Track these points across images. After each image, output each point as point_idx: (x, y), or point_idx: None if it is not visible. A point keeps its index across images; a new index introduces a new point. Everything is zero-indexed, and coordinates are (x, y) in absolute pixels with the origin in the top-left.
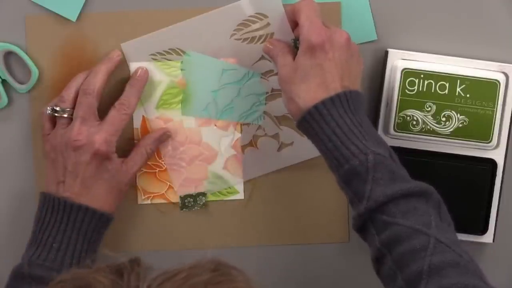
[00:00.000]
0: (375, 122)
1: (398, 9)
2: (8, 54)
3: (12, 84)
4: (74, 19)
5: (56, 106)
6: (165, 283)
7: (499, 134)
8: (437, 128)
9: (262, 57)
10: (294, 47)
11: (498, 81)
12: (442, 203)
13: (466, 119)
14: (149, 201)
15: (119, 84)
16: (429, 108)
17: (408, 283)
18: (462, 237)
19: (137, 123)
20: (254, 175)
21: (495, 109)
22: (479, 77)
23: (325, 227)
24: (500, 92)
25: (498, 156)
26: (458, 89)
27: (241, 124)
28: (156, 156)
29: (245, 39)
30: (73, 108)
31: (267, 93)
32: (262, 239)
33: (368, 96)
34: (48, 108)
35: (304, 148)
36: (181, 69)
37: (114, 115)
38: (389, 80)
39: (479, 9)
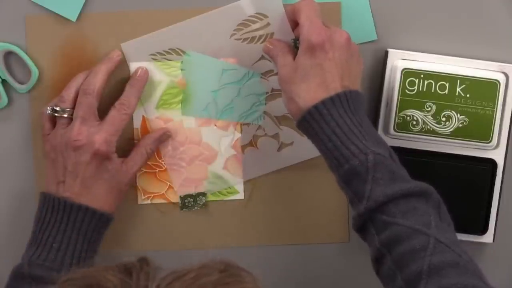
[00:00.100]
0: (375, 122)
1: (398, 9)
2: (8, 54)
3: (12, 84)
4: (74, 19)
5: (56, 106)
6: (174, 283)
7: (499, 134)
8: (437, 128)
9: (262, 57)
10: (294, 47)
11: (498, 81)
12: (442, 203)
13: (466, 119)
14: (149, 201)
15: (119, 84)
16: (429, 108)
17: (407, 283)
18: (462, 237)
19: (137, 123)
20: (254, 175)
21: (495, 109)
22: (479, 77)
23: (325, 227)
24: (500, 92)
25: (498, 156)
26: (458, 89)
27: (241, 124)
28: (156, 156)
29: (245, 39)
30: (73, 108)
31: (267, 93)
32: (262, 239)
33: (368, 96)
34: (48, 108)
35: (304, 148)
36: (181, 69)
37: (114, 115)
38: (389, 80)
39: (479, 9)
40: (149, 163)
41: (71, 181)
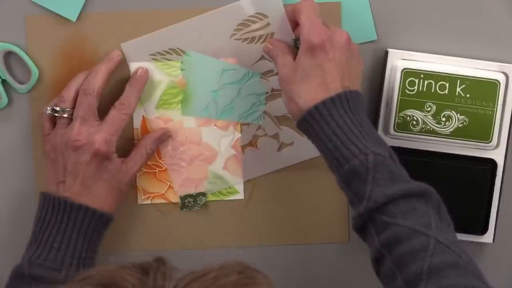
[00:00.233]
0: (375, 122)
1: (398, 9)
2: (8, 54)
3: (12, 84)
4: (74, 19)
5: (56, 106)
6: (193, 283)
7: (499, 134)
8: (437, 128)
9: (262, 57)
10: (294, 47)
11: (498, 81)
12: (441, 204)
13: (466, 119)
14: (149, 201)
15: (119, 84)
16: (429, 108)
17: (407, 283)
18: (462, 237)
19: (137, 123)
20: (254, 175)
21: (495, 109)
22: (479, 77)
23: (325, 227)
24: (500, 92)
25: (498, 156)
26: (458, 89)
27: (241, 124)
28: (156, 156)
29: (245, 39)
30: (73, 108)
31: (267, 93)
32: (262, 239)
33: (368, 96)
34: (48, 108)
35: (304, 148)
36: (181, 69)
37: (114, 115)
38: (389, 80)
39: (479, 9)
40: (149, 163)
41: (71, 181)
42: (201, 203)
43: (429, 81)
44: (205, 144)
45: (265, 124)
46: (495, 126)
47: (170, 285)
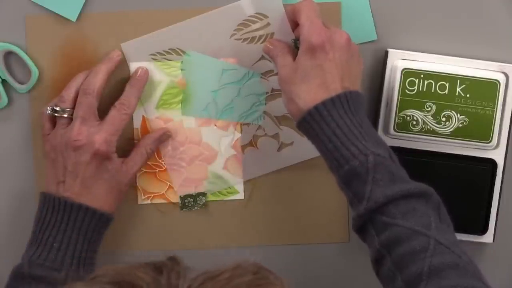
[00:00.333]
0: (375, 122)
1: (398, 9)
2: (8, 54)
3: (12, 84)
4: (74, 19)
5: (56, 106)
6: (207, 283)
7: (499, 134)
8: (437, 128)
9: (262, 57)
10: (294, 47)
11: (498, 81)
12: (441, 204)
13: (466, 119)
14: (149, 201)
15: (119, 84)
16: (429, 108)
17: (407, 284)
18: (462, 237)
19: (137, 123)
20: (254, 175)
21: (495, 109)
22: (479, 77)
23: (325, 227)
24: (500, 92)
25: (498, 156)
26: (458, 89)
27: (241, 124)
28: (156, 156)
29: (245, 39)
30: (73, 108)
31: (267, 93)
32: (262, 239)
33: (368, 96)
34: (48, 108)
35: (304, 148)
36: (181, 69)
37: (114, 115)
38: (389, 80)
39: (479, 9)
40: (149, 163)
41: (71, 181)
42: (201, 203)
43: (429, 81)
44: (205, 144)
45: (265, 124)
46: (495, 126)
47: (184, 284)
